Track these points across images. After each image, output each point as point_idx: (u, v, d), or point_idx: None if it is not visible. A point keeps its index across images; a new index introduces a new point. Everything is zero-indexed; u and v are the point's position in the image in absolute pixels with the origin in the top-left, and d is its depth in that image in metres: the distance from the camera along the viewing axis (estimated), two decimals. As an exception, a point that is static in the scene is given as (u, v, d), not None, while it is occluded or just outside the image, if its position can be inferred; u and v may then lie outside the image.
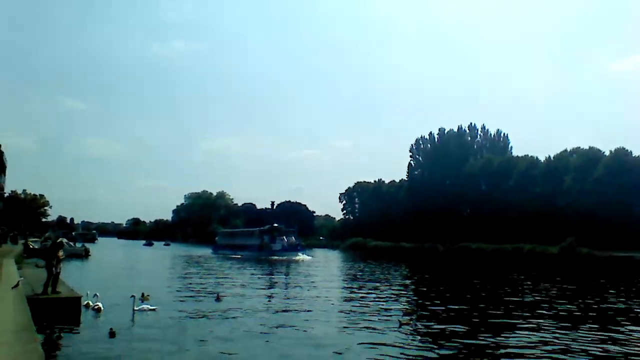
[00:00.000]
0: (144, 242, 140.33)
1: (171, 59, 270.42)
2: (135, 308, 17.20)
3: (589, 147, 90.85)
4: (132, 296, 17.63)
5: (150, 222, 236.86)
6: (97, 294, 18.45)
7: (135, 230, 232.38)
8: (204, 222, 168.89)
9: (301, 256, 67.03)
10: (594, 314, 20.54)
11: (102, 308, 17.29)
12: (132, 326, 15.25)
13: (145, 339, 13.43)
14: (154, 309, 17.65)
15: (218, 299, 21.63)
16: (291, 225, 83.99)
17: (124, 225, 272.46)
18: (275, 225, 77.13)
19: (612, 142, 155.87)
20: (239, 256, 69.21)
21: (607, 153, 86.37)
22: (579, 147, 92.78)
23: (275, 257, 64.95)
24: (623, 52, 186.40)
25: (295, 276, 38.01)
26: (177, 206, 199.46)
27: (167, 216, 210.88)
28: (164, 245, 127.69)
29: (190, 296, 23.22)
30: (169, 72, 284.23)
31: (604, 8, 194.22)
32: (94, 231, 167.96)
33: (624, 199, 76.15)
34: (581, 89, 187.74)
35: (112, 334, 13.42)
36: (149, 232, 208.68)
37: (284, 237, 73.38)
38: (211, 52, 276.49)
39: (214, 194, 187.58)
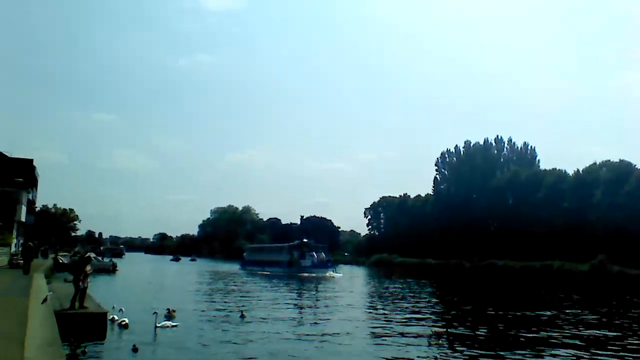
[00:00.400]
0: (170, 257, 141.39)
1: (196, 72, 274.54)
2: (158, 324, 17.31)
3: (620, 160, 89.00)
4: (155, 312, 17.73)
5: (176, 236, 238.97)
6: (123, 309, 18.71)
7: (162, 245, 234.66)
8: (230, 237, 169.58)
9: (331, 273, 65.43)
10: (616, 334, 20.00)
11: (128, 324, 17.48)
12: (154, 342, 15.39)
13: (167, 356, 13.58)
14: (175, 325, 17.81)
15: (242, 317, 21.63)
16: (318, 241, 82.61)
17: (151, 240, 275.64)
18: (305, 240, 76.11)
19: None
20: (268, 272, 68.37)
21: (638, 166, 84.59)
22: (609, 160, 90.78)
23: (305, 274, 63.53)
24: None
25: (324, 294, 37.33)
26: (203, 221, 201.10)
27: (194, 231, 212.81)
28: (190, 260, 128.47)
29: (215, 314, 23.17)
30: (194, 85, 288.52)
31: (623, 20, 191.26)
32: (122, 246, 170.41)
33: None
34: (603, 100, 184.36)
35: (135, 350, 13.63)
36: (175, 247, 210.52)
37: (314, 253, 71.87)
38: (236, 64, 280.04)
39: (240, 208, 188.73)
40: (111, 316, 17.66)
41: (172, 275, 60.79)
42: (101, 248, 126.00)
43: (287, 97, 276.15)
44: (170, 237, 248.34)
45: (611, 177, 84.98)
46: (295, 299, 32.88)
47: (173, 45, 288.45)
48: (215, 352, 14.20)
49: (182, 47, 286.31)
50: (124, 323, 17.49)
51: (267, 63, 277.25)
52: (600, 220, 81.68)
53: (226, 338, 16.67)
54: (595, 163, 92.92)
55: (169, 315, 20.07)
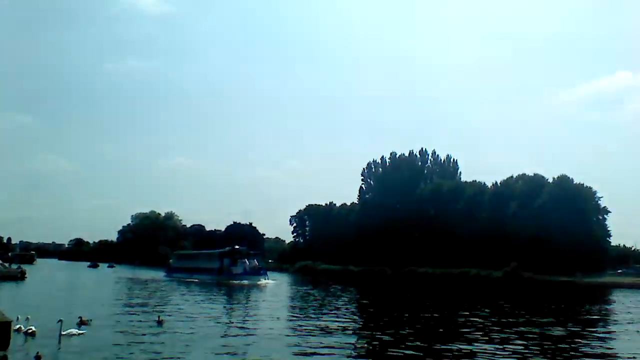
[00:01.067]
0: (88, 263, 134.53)
1: (124, 76, 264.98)
2: (63, 332, 16.61)
3: (534, 173, 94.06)
4: (60, 320, 16.88)
5: (94, 242, 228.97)
6: (29, 317, 17.58)
7: (78, 251, 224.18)
8: (152, 243, 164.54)
9: (264, 281, 62.86)
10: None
11: (36, 332, 16.73)
12: (59, 350, 14.77)
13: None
14: (82, 333, 17.20)
15: (159, 323, 20.75)
16: (250, 248, 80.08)
17: (66, 245, 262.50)
18: (237, 247, 73.24)
19: (557, 169, 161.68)
20: (196, 280, 65.42)
21: (550, 180, 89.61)
22: (524, 174, 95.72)
23: (236, 282, 60.90)
24: (569, 84, 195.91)
25: (253, 303, 36.07)
26: (123, 227, 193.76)
27: (112, 237, 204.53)
28: (108, 267, 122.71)
29: (130, 321, 22.16)
30: (121, 89, 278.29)
31: (553, 41, 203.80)
32: (33, 252, 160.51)
33: (566, 225, 78.70)
34: (529, 117, 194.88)
35: (38, 358, 13.03)
36: (92, 253, 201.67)
37: (246, 260, 68.67)
38: (164, 70, 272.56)
39: (162, 214, 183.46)
40: (17, 326, 16.80)
41: (89, 283, 57.64)
42: (9, 254, 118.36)
43: (216, 104, 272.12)
44: (87, 242, 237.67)
45: (526, 189, 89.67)
46: (221, 309, 31.30)
47: (102, 47, 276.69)
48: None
49: (111, 50, 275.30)
50: (30, 331, 16.78)
51: (199, 69, 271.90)
52: (515, 230, 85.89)
53: (136, 346, 15.95)
54: (512, 176, 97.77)
55: (81, 323, 19.25)
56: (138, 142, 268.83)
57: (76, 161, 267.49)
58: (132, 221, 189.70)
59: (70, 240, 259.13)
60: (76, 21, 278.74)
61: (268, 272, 70.35)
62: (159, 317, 21.74)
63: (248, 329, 21.06)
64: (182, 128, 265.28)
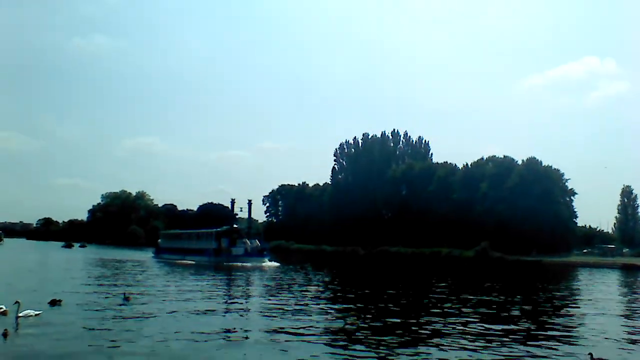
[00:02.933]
0: (62, 243, 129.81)
1: (92, 54, 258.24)
2: (19, 314, 16.46)
3: (504, 156, 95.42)
4: (17, 302, 16.63)
5: (63, 222, 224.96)
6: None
7: (47, 231, 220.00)
8: (123, 223, 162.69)
9: (268, 263, 57.82)
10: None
11: (8, 311, 17.00)
12: (15, 333, 14.49)
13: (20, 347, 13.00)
14: (38, 314, 17.06)
15: (126, 299, 20.66)
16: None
17: (35, 225, 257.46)
18: (236, 226, 69.46)
19: (527, 151, 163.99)
20: (191, 262, 60.83)
21: (519, 162, 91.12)
22: (495, 156, 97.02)
23: (238, 264, 56.18)
24: (539, 68, 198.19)
25: (256, 286, 33.44)
26: (94, 206, 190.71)
27: (82, 216, 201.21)
28: (80, 246, 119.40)
29: (95, 300, 21.82)
30: (89, 67, 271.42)
31: (525, 27, 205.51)
32: (0, 231, 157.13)
33: (535, 206, 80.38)
34: (500, 101, 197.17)
35: (4, 335, 13.42)
36: (61, 232, 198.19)
37: (247, 240, 63.40)
38: (134, 49, 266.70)
39: (133, 193, 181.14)
40: None
41: (64, 264, 53.70)
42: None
43: (189, 84, 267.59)
44: (57, 222, 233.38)
45: (496, 171, 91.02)
46: (215, 291, 28.63)
47: (67, 24, 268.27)
48: (76, 341, 13.52)
49: (78, 26, 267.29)
50: (2, 311, 17.04)
51: (170, 50, 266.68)
52: (485, 211, 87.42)
53: (100, 324, 15.99)
54: (482, 158, 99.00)
55: (52, 303, 19.58)
56: (106, 120, 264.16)
57: (42, 139, 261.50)
58: (102, 200, 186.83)
59: (39, 220, 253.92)
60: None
61: None
62: (124, 294, 21.78)
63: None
64: (151, 107, 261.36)
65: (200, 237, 70.40)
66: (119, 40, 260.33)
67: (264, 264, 56.81)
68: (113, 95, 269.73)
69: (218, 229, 67.66)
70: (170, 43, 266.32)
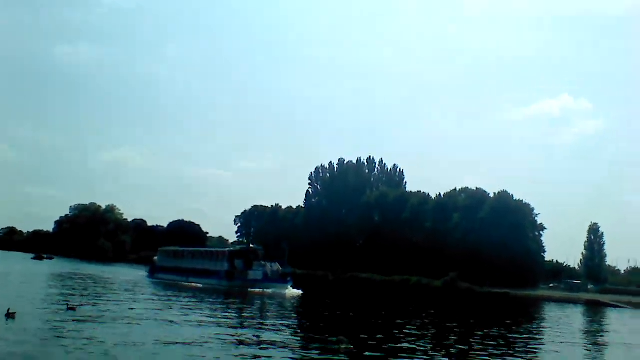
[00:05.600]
0: (29, 255, 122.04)
1: (74, 63, 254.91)
2: None
3: (477, 188, 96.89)
4: None
5: (27, 232, 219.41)
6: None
7: (10, 240, 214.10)
8: (91, 236, 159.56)
9: (291, 290, 51.62)
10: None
11: None
12: None
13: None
14: None
15: (71, 309, 20.32)
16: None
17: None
18: (252, 246, 64.15)
19: (500, 184, 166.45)
20: (197, 285, 54.42)
21: (491, 195, 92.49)
22: (467, 187, 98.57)
23: (257, 290, 50.43)
24: (523, 102, 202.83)
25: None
26: (61, 217, 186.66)
27: (48, 227, 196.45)
28: (47, 258, 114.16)
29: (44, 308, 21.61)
30: (68, 76, 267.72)
31: (509, 60, 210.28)
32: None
33: (504, 239, 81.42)
34: (481, 133, 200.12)
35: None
36: (25, 242, 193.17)
37: (266, 263, 56.70)
38: (118, 59, 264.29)
39: (103, 207, 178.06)
40: None
41: (32, 279, 48.21)
42: None
43: (169, 98, 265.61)
44: (20, 232, 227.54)
45: (469, 203, 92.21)
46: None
47: (49, 31, 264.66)
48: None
49: (61, 34, 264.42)
50: None
51: (152, 62, 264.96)
52: (455, 241, 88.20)
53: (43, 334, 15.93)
54: (455, 189, 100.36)
55: (9, 316, 19.27)
56: (84, 130, 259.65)
57: (18, 148, 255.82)
58: (70, 212, 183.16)
59: (2, 229, 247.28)
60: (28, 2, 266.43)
61: None
62: (67, 303, 21.77)
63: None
64: (132, 120, 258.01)
65: (209, 257, 62.80)
66: (102, 50, 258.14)
67: (287, 291, 50.96)
68: (95, 105, 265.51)
69: (231, 249, 62.44)
70: (153, 56, 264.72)
